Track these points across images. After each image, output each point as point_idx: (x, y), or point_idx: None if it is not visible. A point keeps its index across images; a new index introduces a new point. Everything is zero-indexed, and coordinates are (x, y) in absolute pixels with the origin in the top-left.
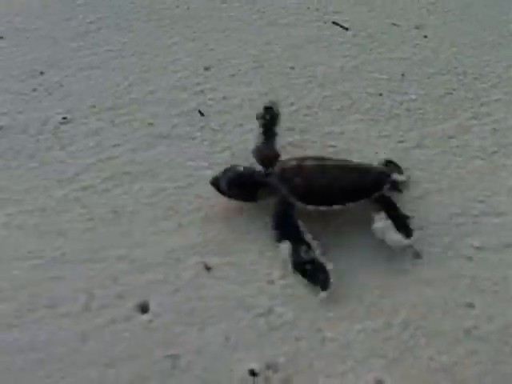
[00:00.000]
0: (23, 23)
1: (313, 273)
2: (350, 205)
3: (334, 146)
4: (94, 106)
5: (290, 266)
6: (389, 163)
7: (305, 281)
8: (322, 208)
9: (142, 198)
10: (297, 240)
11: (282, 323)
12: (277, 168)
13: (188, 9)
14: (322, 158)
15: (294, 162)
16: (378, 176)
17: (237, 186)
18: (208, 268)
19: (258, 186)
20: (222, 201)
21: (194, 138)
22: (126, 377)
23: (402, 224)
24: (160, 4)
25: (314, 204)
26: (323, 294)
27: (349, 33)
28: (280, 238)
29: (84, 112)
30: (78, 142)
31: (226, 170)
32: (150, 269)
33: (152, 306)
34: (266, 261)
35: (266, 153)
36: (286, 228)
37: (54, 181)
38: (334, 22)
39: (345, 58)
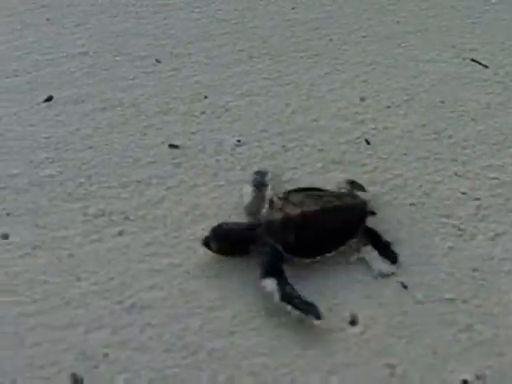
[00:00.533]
0: (177, 48)
1: (301, 304)
2: (341, 248)
3: (496, 179)
4: (264, 131)
5: (276, 298)
6: (352, 183)
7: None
8: (312, 259)
9: None
10: (282, 278)
11: (483, 340)
12: (263, 220)
13: (331, 40)
14: (304, 197)
15: (278, 214)
16: (361, 210)
17: (227, 244)
18: (405, 286)
19: (248, 241)
20: None
21: (364, 165)
22: (350, 383)
23: (386, 251)
24: (303, 35)
25: (304, 256)
26: (317, 323)
27: (488, 70)
28: (265, 276)
29: (256, 136)
30: (257, 164)
31: (213, 229)
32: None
33: (361, 319)
34: None
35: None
36: (273, 268)
37: None
38: (473, 60)
39: (489, 95)
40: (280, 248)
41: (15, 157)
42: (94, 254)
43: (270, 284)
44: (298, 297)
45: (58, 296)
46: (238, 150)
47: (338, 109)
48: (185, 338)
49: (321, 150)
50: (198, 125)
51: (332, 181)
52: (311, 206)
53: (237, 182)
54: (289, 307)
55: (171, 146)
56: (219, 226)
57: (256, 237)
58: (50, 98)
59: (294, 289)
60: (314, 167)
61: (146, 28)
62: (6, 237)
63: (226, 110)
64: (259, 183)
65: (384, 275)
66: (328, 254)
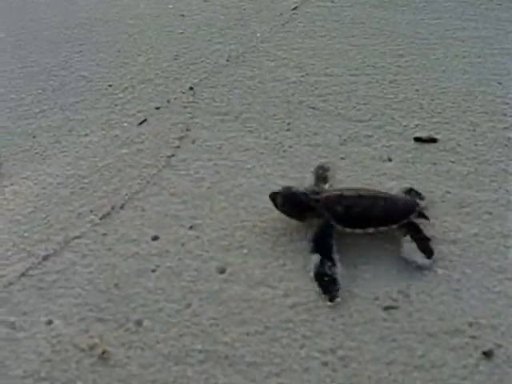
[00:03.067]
0: None
1: (327, 284)
2: (382, 229)
3: None
4: None
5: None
6: (410, 191)
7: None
8: (358, 231)
9: None
10: (327, 256)
11: None
12: (322, 196)
13: None
14: (359, 190)
15: (336, 193)
16: (404, 205)
17: (290, 204)
18: None
19: (307, 209)
20: None
21: None
22: None
23: (424, 246)
24: None
25: (351, 227)
26: (329, 303)
27: None
28: (313, 251)
29: None
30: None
31: (283, 188)
32: None
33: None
34: None
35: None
36: (321, 245)
37: None
38: None
39: None
40: (331, 220)
41: None
42: None
43: (314, 259)
44: (331, 275)
45: None
46: None
47: None
48: None
49: None
50: None
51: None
52: (364, 193)
53: None
54: (316, 283)
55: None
56: (288, 188)
57: (314, 207)
58: None
59: (334, 265)
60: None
61: None
62: None
63: None
64: (320, 175)
65: (418, 266)
66: (370, 230)
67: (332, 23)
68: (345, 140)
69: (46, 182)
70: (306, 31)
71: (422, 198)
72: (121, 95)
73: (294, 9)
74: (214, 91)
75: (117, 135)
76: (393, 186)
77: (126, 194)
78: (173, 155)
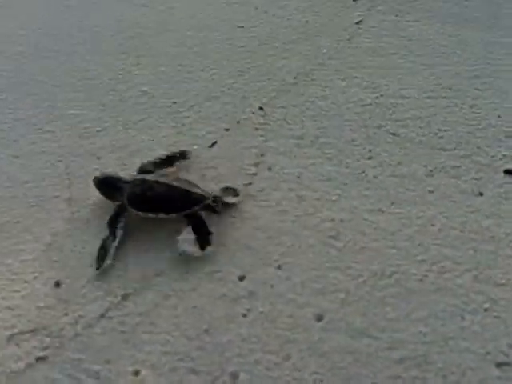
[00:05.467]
0: None
1: (100, 255)
2: (171, 216)
3: None
4: None
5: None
6: (227, 189)
7: None
8: (150, 215)
9: None
10: (111, 233)
11: None
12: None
13: None
14: (171, 178)
15: (140, 177)
16: (191, 198)
17: (103, 185)
18: None
19: (115, 190)
20: None
21: None
22: None
23: (202, 238)
24: None
25: (143, 211)
26: (97, 271)
27: None
28: (106, 226)
29: None
30: None
31: (101, 173)
32: None
33: None
34: None
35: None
36: (112, 222)
37: None
38: None
39: None
40: (125, 202)
41: None
42: None
43: (105, 235)
44: (105, 248)
45: None
46: None
47: None
48: None
49: None
50: None
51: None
52: (167, 181)
53: None
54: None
55: None
56: (104, 174)
57: (121, 189)
58: None
59: (113, 241)
60: None
61: None
62: None
63: None
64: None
65: (186, 254)
66: (154, 215)
67: (399, 39)
68: (431, 171)
69: None
70: (373, 48)
71: (236, 195)
72: (186, 114)
73: (358, 23)
74: (286, 112)
75: None
76: (489, 225)
77: None
78: (250, 183)
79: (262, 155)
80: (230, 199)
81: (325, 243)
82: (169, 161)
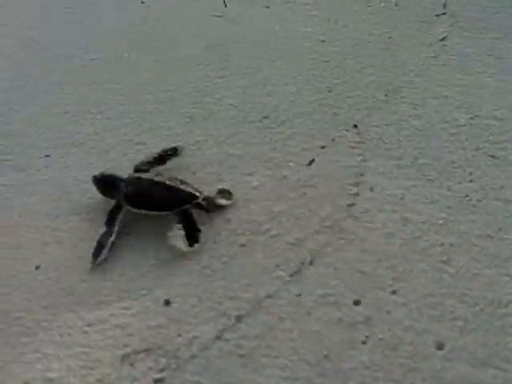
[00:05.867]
0: None
1: (96, 249)
2: (163, 213)
3: None
4: None
5: None
6: (222, 191)
7: None
8: (143, 212)
9: None
10: (108, 228)
11: None
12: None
13: None
14: (160, 177)
15: (136, 175)
16: (182, 196)
17: (101, 184)
18: None
19: (114, 188)
20: None
21: None
22: None
23: (191, 235)
24: None
25: (133, 207)
26: (94, 262)
27: None
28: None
29: None
30: None
31: (100, 173)
32: None
33: None
34: None
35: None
36: (109, 219)
37: None
38: None
39: None
40: (121, 199)
41: None
42: None
43: (101, 230)
44: (102, 243)
45: None
46: None
47: None
48: None
49: None
50: None
51: None
52: (159, 180)
53: None
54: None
55: None
56: (103, 173)
57: (119, 187)
58: None
59: (110, 236)
60: None
61: None
62: None
63: None
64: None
65: (173, 249)
66: (153, 213)
67: (487, 58)
68: None
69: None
70: (461, 66)
71: (229, 199)
72: (279, 130)
73: (442, 39)
74: (381, 131)
75: (285, 176)
76: None
77: (313, 248)
78: (353, 204)
79: (361, 175)
80: (222, 201)
81: (437, 268)
82: (161, 159)
